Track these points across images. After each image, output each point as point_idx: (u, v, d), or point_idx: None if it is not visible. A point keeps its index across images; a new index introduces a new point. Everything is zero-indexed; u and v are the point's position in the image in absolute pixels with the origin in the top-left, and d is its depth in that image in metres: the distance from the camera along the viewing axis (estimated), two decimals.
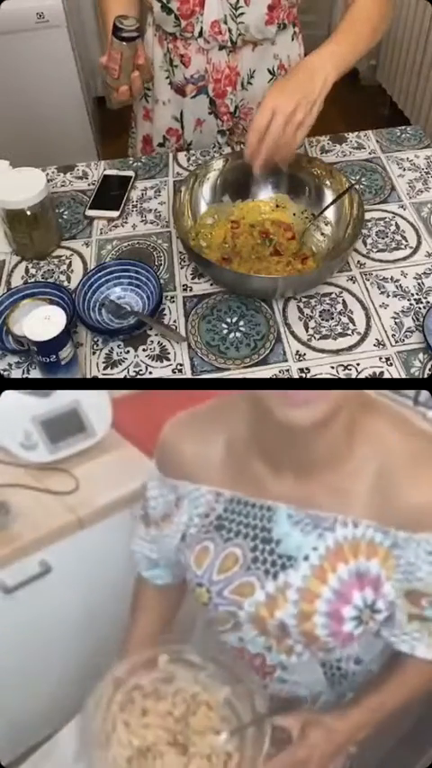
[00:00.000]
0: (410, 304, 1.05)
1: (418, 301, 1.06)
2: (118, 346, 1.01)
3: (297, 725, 0.74)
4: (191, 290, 1.08)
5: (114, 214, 1.21)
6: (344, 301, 1.06)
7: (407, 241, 1.15)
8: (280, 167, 1.08)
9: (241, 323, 1.03)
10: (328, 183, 1.13)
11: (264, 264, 1.09)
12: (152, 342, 1.02)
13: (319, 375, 0.96)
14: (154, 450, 0.84)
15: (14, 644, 1.12)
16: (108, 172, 1.30)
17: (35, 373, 0.97)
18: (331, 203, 1.11)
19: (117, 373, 0.98)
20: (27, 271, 1.13)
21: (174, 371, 0.98)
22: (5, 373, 0.98)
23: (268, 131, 0.99)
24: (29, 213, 1.07)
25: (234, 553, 0.74)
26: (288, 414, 0.64)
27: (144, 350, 1.01)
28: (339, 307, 1.05)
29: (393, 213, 1.21)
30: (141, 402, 1.30)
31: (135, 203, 1.24)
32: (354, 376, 0.96)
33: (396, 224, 1.19)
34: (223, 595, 0.74)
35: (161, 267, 1.12)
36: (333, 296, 1.07)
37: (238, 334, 1.02)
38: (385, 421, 0.72)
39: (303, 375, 0.96)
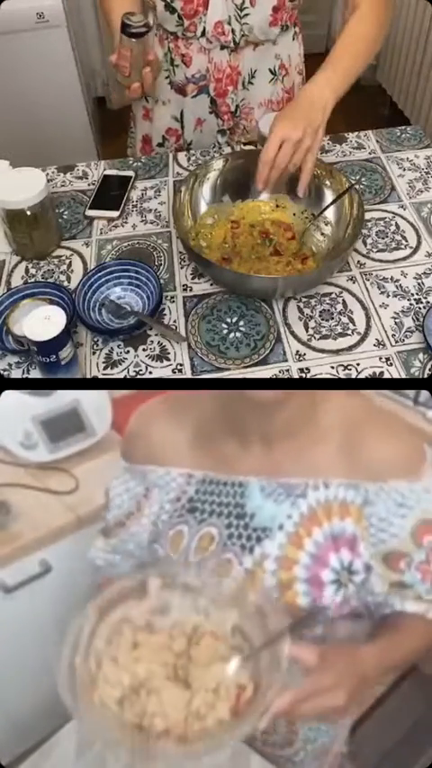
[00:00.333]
0: (410, 304, 1.05)
1: (418, 301, 1.06)
2: (118, 346, 1.01)
3: (314, 655, 0.66)
4: (191, 290, 1.08)
5: (114, 214, 1.21)
6: (344, 301, 1.06)
7: (407, 241, 1.15)
8: (303, 190, 1.09)
9: (241, 323, 1.03)
10: (328, 183, 1.13)
11: (264, 264, 1.09)
12: (152, 342, 1.02)
13: (319, 375, 0.96)
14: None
15: (14, 643, 1.12)
16: (108, 172, 1.30)
17: (35, 373, 0.97)
18: (331, 203, 1.11)
19: (117, 373, 0.98)
20: (27, 271, 1.13)
21: (174, 371, 0.98)
22: (5, 373, 0.98)
23: (277, 159, 1.03)
24: (29, 213, 1.07)
25: (210, 533, 0.74)
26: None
27: (144, 350, 1.01)
28: (339, 307, 1.05)
29: (393, 213, 1.21)
30: (141, 402, 1.30)
31: (135, 203, 1.24)
32: (354, 376, 0.96)
33: (396, 224, 1.19)
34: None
35: (161, 267, 1.12)
36: (333, 296, 1.07)
37: (238, 334, 1.02)
38: (347, 393, 0.74)
39: (303, 375, 0.97)
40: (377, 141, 1.37)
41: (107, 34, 1.27)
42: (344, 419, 0.72)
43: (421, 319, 1.02)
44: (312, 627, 0.71)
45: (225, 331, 1.02)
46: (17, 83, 2.28)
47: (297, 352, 0.99)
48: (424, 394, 1.39)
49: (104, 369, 0.98)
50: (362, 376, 0.96)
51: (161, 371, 0.98)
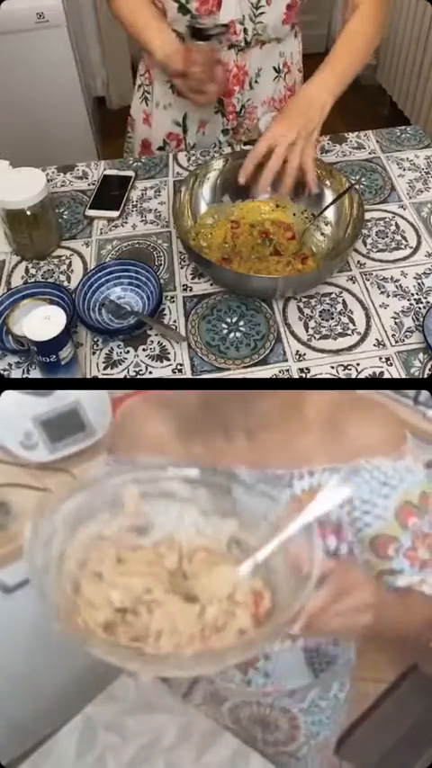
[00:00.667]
0: (410, 304, 1.05)
1: (418, 301, 1.06)
2: (118, 346, 1.01)
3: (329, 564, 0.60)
4: (191, 290, 1.08)
5: (114, 214, 1.21)
6: (344, 301, 1.06)
7: (407, 241, 1.15)
8: (308, 190, 1.10)
9: (241, 323, 1.03)
10: (328, 183, 1.13)
11: (264, 264, 1.09)
12: (152, 342, 1.02)
13: (319, 375, 0.96)
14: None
15: (14, 644, 1.12)
16: (108, 172, 1.30)
17: (35, 373, 0.97)
18: (331, 203, 1.11)
19: (117, 373, 0.98)
20: (27, 271, 1.13)
21: (174, 371, 0.98)
22: (5, 373, 0.98)
23: (270, 161, 1.04)
24: (29, 213, 1.06)
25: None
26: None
27: (144, 350, 1.01)
28: (339, 307, 1.05)
29: (393, 213, 1.21)
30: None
31: (135, 203, 1.24)
32: (354, 376, 0.96)
33: (396, 224, 1.19)
34: None
35: (161, 267, 1.12)
36: (333, 296, 1.07)
37: (238, 335, 1.02)
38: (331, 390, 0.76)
39: (303, 375, 0.96)
40: (377, 141, 1.37)
41: (144, 48, 1.25)
42: (326, 408, 0.73)
43: (421, 319, 1.02)
44: None
45: (225, 331, 1.02)
46: (17, 83, 2.28)
47: (297, 352, 0.99)
48: (424, 394, 1.39)
49: (104, 369, 0.98)
50: (362, 376, 0.96)
51: (161, 371, 0.98)
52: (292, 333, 1.02)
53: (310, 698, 0.82)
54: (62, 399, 1.18)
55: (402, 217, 1.20)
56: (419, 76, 2.58)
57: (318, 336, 1.01)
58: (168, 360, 0.99)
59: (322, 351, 0.99)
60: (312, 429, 0.72)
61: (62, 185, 1.30)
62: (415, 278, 1.09)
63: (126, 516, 0.60)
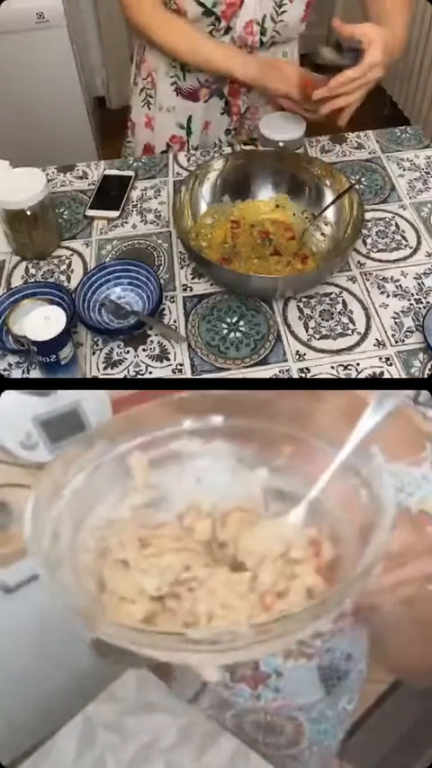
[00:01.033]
0: (410, 304, 1.05)
1: (418, 301, 1.06)
2: (118, 346, 1.01)
3: None
4: (191, 290, 1.08)
5: (114, 214, 1.21)
6: (344, 301, 1.06)
7: (407, 241, 1.15)
8: (341, 122, 1.11)
9: (241, 323, 1.03)
10: (328, 183, 1.13)
11: (264, 264, 1.09)
12: (152, 342, 1.02)
13: (319, 375, 0.96)
14: None
15: (14, 644, 1.12)
16: (108, 172, 1.30)
17: (35, 373, 0.97)
18: (331, 203, 1.11)
19: (117, 373, 0.98)
20: (27, 271, 1.13)
21: (174, 371, 0.98)
22: (5, 373, 0.98)
23: (356, 92, 1.08)
24: (29, 213, 1.06)
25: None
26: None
27: (144, 350, 1.01)
28: (339, 307, 1.05)
29: (393, 213, 1.21)
30: (141, 402, 1.30)
31: (135, 203, 1.24)
32: (354, 376, 0.96)
33: (396, 224, 1.19)
34: None
35: (161, 267, 1.12)
36: (333, 296, 1.07)
37: (238, 334, 1.02)
38: (341, 393, 0.70)
39: (303, 375, 0.96)
40: (377, 141, 1.37)
41: (223, 76, 1.24)
42: (341, 416, 0.71)
43: (421, 319, 1.02)
44: None
45: (225, 331, 1.02)
46: (17, 83, 2.28)
47: (297, 352, 0.99)
48: (424, 394, 1.39)
49: (104, 369, 0.98)
50: (362, 376, 0.96)
51: (161, 371, 0.98)
52: (292, 333, 1.02)
53: (319, 709, 0.82)
54: (62, 399, 1.18)
55: (402, 217, 1.20)
56: (419, 76, 2.58)
57: (318, 336, 1.01)
58: (168, 360, 0.99)
59: (322, 351, 0.99)
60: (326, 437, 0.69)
61: (62, 185, 1.30)
62: (415, 278, 1.09)
63: (138, 492, 0.52)
